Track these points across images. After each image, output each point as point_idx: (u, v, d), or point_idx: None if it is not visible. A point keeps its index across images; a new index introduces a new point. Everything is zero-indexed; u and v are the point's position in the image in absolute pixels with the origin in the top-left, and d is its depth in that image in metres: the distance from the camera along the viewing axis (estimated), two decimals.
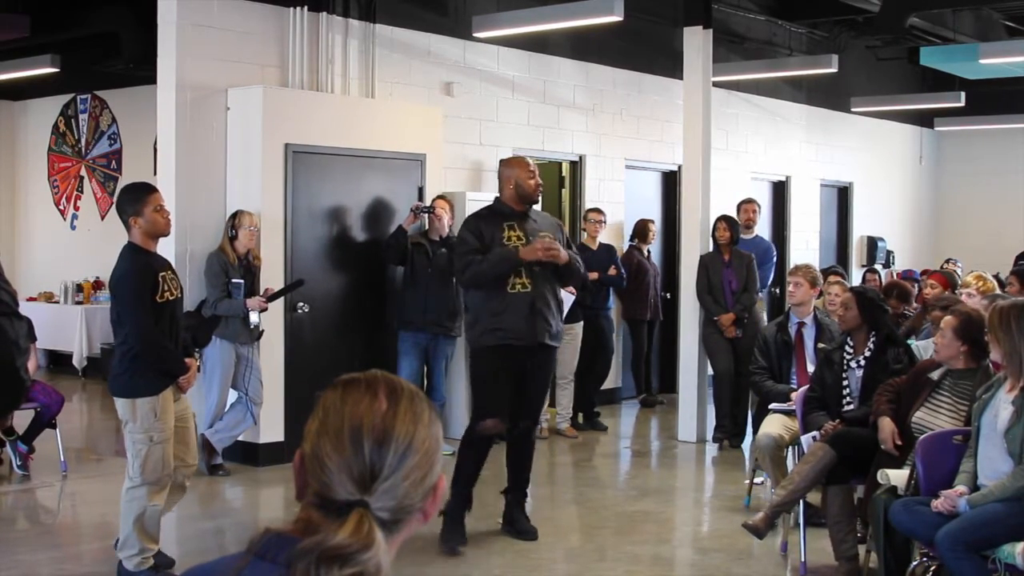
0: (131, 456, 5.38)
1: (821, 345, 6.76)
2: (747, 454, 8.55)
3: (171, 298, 5.40)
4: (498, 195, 6.47)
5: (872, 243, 15.20)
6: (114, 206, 5.54)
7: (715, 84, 9.99)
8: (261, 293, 7.76)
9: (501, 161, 6.62)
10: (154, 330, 5.31)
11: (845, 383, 5.92)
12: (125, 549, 5.42)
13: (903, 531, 4.81)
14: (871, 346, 5.90)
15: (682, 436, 9.43)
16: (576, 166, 11.14)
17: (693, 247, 9.51)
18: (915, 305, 8.33)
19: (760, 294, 10.02)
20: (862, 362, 5.90)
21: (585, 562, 6.13)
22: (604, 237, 10.39)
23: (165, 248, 7.82)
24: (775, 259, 10.51)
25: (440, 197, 8.73)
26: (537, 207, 6.53)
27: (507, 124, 10.31)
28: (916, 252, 16.10)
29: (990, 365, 5.10)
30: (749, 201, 10.50)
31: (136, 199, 5.35)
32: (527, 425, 6.43)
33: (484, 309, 6.17)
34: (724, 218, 9.36)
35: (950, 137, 16.75)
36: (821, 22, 13.01)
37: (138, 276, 5.28)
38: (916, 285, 9.03)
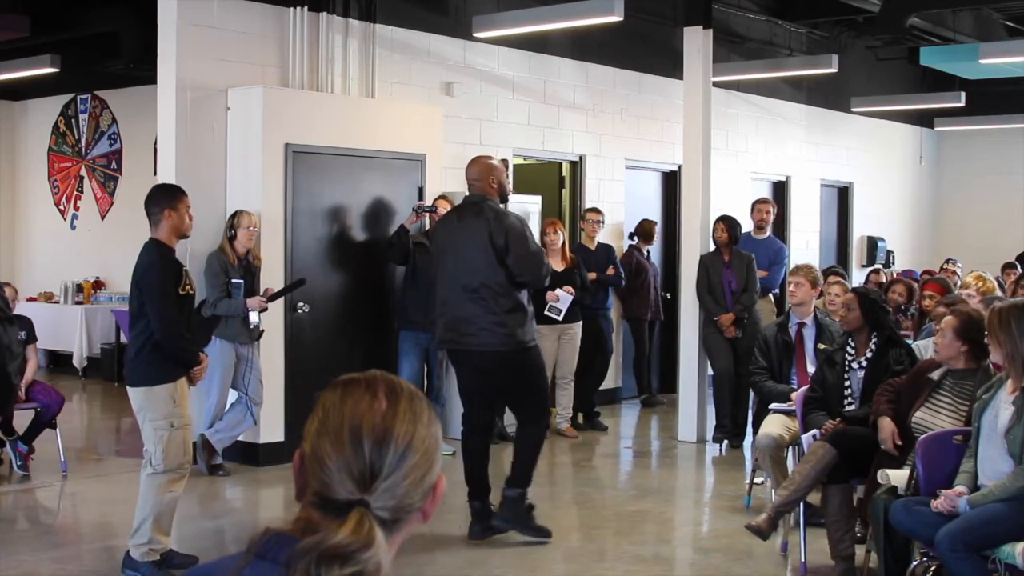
0: (152, 445, 5.44)
1: (822, 346, 6.75)
2: (747, 454, 8.55)
3: (191, 292, 5.61)
4: (481, 193, 6.28)
5: (872, 243, 15.21)
6: (146, 201, 5.62)
7: (715, 84, 9.99)
8: (261, 293, 7.77)
9: (482, 161, 6.44)
10: (178, 320, 5.45)
11: (847, 384, 5.91)
12: (136, 537, 5.48)
13: (903, 531, 4.81)
14: (873, 347, 5.90)
15: (682, 436, 9.43)
16: (576, 166, 11.14)
17: (693, 247, 9.51)
18: (915, 305, 8.34)
19: (769, 295, 10.02)
20: (864, 363, 5.90)
21: (585, 562, 6.12)
22: (604, 237, 10.39)
23: None
24: (787, 260, 10.44)
25: (442, 197, 8.73)
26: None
27: (507, 124, 10.31)
28: (916, 252, 16.10)
29: (990, 365, 5.10)
30: (763, 201, 10.43)
31: (172, 195, 5.59)
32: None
33: (531, 303, 6.33)
34: (723, 218, 9.34)
35: (950, 137, 16.75)
36: (821, 22, 13.01)
37: (164, 267, 5.46)
38: (916, 283, 9.06)
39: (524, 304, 6.21)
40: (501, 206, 6.27)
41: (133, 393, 5.50)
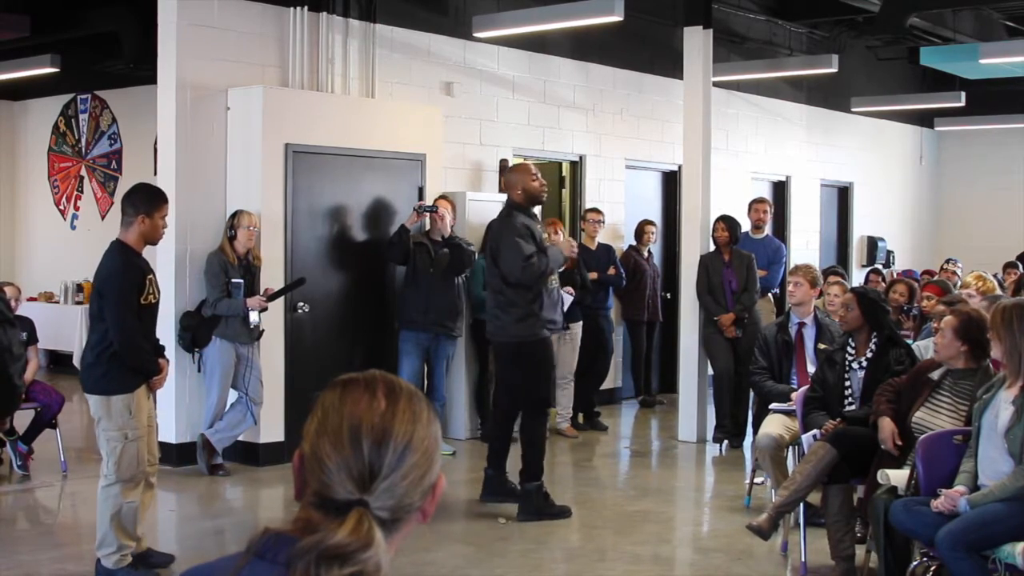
0: (106, 454, 5.41)
1: (822, 346, 6.75)
2: (747, 454, 8.55)
3: (154, 301, 5.49)
4: (510, 200, 6.89)
5: (872, 243, 15.21)
6: (125, 198, 5.52)
7: (715, 84, 9.99)
8: (261, 293, 7.76)
9: (512, 170, 7.22)
10: (137, 330, 5.37)
11: (847, 384, 5.91)
12: (103, 547, 5.43)
13: (903, 531, 4.81)
14: (873, 347, 5.90)
15: (682, 436, 9.43)
16: (576, 166, 11.14)
17: (693, 247, 9.51)
18: (916, 305, 8.35)
19: (768, 295, 10.02)
20: (864, 363, 5.89)
21: (585, 562, 6.12)
22: (604, 237, 10.39)
23: (166, 247, 7.87)
24: (785, 259, 10.48)
25: (442, 197, 8.74)
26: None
27: (507, 124, 10.30)
28: (916, 252, 16.10)
29: (990, 365, 5.11)
30: (760, 200, 10.46)
31: (151, 201, 5.44)
32: None
33: (535, 305, 6.72)
34: (723, 218, 9.34)
35: (950, 137, 16.75)
36: (821, 22, 13.01)
37: (128, 275, 5.35)
38: (916, 283, 9.08)
39: (520, 302, 6.69)
40: (515, 213, 6.76)
41: (91, 400, 5.43)
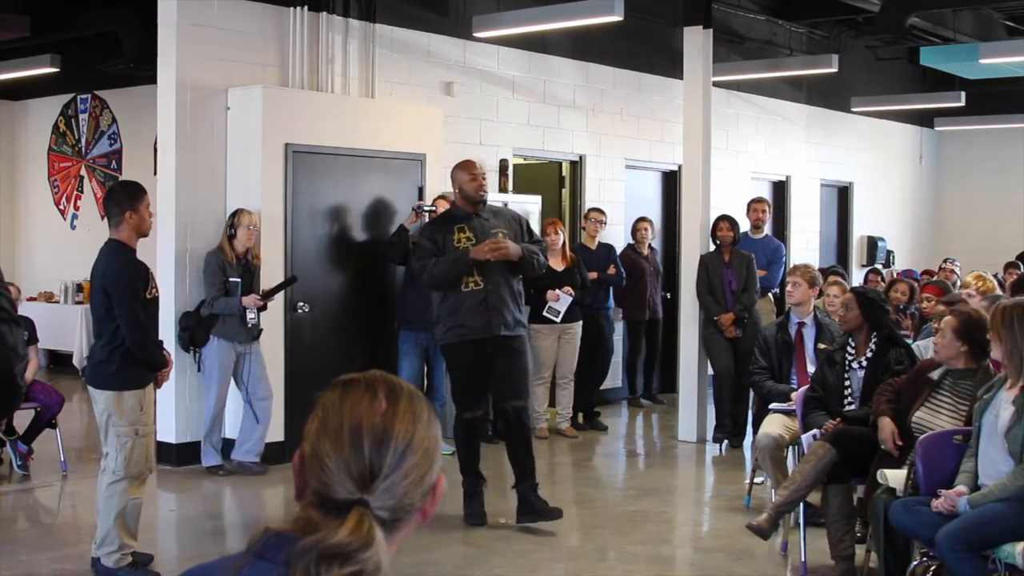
0: (114, 450, 5.41)
1: (822, 346, 6.75)
2: (747, 454, 8.55)
3: (157, 295, 5.57)
4: (453, 199, 6.90)
5: (872, 243, 15.21)
6: (107, 199, 5.59)
7: (715, 84, 9.99)
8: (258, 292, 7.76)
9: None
10: (148, 327, 5.45)
11: (847, 383, 5.91)
12: (105, 546, 5.43)
13: (903, 531, 4.81)
14: (873, 347, 5.90)
15: (682, 436, 9.43)
16: (576, 166, 11.14)
17: (693, 247, 9.51)
18: (915, 305, 8.36)
19: (768, 295, 10.02)
20: (864, 363, 5.90)
21: (585, 562, 6.13)
22: (604, 237, 10.38)
23: (166, 247, 7.87)
24: (784, 259, 10.48)
25: (441, 197, 8.73)
26: (516, 204, 7.09)
27: (507, 124, 10.30)
28: (916, 252, 16.10)
29: (990, 365, 5.11)
30: (759, 200, 10.46)
31: (134, 196, 5.49)
32: (517, 407, 6.53)
33: (442, 308, 6.56)
34: (725, 218, 9.35)
35: (950, 137, 16.75)
36: (821, 22, 13.02)
37: (134, 273, 5.42)
38: (916, 284, 9.09)
39: (433, 305, 6.66)
40: (436, 219, 7.02)
41: (100, 396, 5.44)
